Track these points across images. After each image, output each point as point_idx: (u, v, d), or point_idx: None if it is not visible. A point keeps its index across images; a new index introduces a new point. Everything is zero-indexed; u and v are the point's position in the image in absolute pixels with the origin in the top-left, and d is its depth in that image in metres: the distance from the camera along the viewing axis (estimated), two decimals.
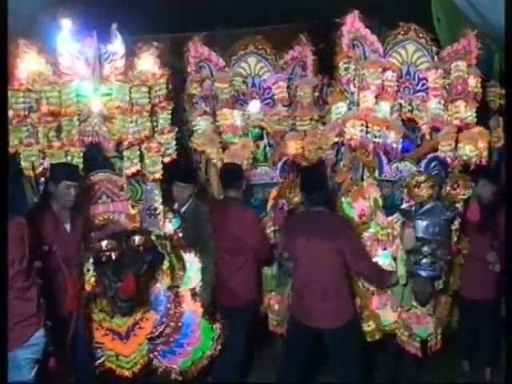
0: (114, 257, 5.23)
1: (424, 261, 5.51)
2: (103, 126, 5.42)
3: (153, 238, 5.47)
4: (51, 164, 5.32)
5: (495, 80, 7.10)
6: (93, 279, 5.31)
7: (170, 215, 5.72)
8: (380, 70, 5.86)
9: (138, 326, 5.58)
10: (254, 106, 6.89)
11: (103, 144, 5.50)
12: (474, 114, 5.87)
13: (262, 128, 6.99)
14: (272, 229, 6.40)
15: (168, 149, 5.56)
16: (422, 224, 5.53)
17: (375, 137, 5.79)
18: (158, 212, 5.62)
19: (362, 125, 5.78)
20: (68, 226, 5.26)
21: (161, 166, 5.49)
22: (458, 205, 5.75)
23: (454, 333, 6.45)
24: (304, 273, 5.56)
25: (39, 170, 5.37)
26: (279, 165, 6.85)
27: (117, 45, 5.45)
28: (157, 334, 5.62)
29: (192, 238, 5.75)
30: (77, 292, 5.28)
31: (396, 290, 5.78)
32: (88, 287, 5.32)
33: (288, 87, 6.98)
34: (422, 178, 5.58)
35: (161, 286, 5.61)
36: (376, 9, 6.41)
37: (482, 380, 6.39)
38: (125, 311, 5.45)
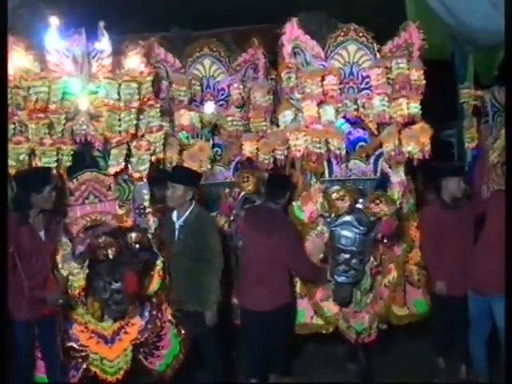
0: (110, 255, 5.18)
1: (340, 268, 5.89)
2: (90, 125, 5.31)
3: (149, 236, 5.47)
4: (24, 174, 5.17)
5: (469, 81, 7.37)
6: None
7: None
8: (319, 78, 5.93)
9: (123, 331, 5.55)
10: (209, 108, 6.91)
11: (90, 143, 5.42)
12: (419, 107, 5.99)
13: (213, 129, 7.05)
14: (224, 220, 6.63)
15: (156, 148, 5.58)
16: (337, 235, 5.89)
17: (317, 147, 5.90)
18: (147, 211, 5.62)
19: (305, 135, 5.93)
20: (42, 234, 5.17)
21: (148, 164, 5.52)
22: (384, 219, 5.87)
23: (429, 329, 6.60)
24: (245, 260, 5.89)
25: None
26: (233, 165, 7.02)
27: (104, 43, 5.39)
28: (142, 340, 5.62)
29: (194, 250, 5.58)
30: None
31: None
32: (79, 290, 5.24)
33: (241, 89, 7.06)
34: (344, 191, 5.91)
35: (147, 291, 5.58)
36: (350, 10, 6.48)
37: (457, 377, 6.40)
38: (116, 315, 5.43)
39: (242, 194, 6.59)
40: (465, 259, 6.15)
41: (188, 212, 5.62)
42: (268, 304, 5.70)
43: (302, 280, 6.20)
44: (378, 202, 5.82)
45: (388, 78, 6.05)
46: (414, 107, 5.99)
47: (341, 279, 5.90)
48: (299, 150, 5.95)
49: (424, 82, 6.03)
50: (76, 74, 5.32)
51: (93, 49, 5.39)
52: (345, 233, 5.85)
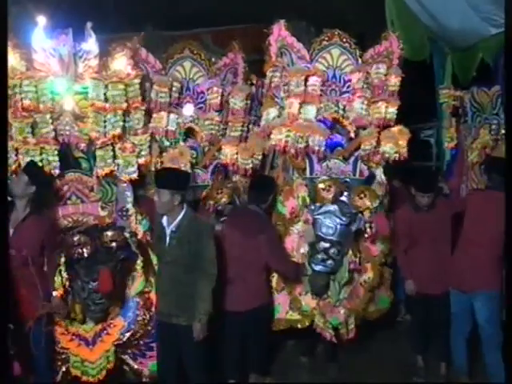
0: (86, 254, 5.16)
1: (318, 256, 6.00)
2: (75, 125, 5.31)
3: (126, 235, 5.41)
4: None
5: (448, 82, 7.49)
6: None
7: (139, 217, 5.66)
8: (303, 77, 6.02)
9: (105, 332, 5.52)
10: (188, 110, 6.81)
11: (73, 143, 5.41)
12: (395, 112, 6.12)
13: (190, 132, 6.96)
14: None
15: (142, 150, 5.58)
16: (319, 223, 6.04)
17: (298, 142, 6.02)
18: (129, 213, 5.61)
19: (287, 131, 6.03)
20: (10, 232, 5.06)
21: (136, 166, 5.52)
22: (366, 213, 6.02)
23: (407, 328, 6.78)
24: (223, 262, 5.76)
25: (13, 167, 5.25)
26: (210, 168, 6.90)
27: (91, 44, 5.37)
28: (124, 340, 5.57)
29: (187, 258, 5.14)
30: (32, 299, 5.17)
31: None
32: (59, 291, 5.20)
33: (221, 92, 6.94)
34: (331, 182, 6.02)
35: (130, 292, 5.58)
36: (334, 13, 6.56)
37: (436, 375, 6.41)
38: (98, 316, 5.39)
39: (216, 205, 6.51)
40: (441, 258, 6.21)
41: (180, 217, 5.15)
42: (245, 304, 5.78)
43: (280, 276, 6.25)
44: (362, 195, 5.97)
45: (368, 83, 6.18)
46: (392, 112, 6.12)
47: (318, 268, 6.00)
48: (279, 145, 6.06)
49: (398, 88, 6.16)
50: (62, 73, 5.29)
51: (79, 49, 5.36)
52: (327, 222, 6.01)
